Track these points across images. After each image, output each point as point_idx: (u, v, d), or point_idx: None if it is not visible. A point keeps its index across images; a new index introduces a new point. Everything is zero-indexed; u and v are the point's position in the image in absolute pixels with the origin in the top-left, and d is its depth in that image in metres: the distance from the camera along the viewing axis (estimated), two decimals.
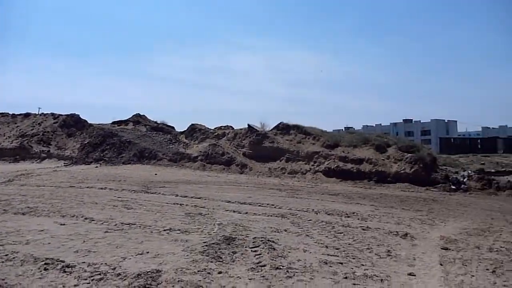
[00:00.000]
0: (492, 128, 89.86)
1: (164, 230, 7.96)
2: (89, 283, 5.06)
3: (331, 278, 5.54)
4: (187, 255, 6.27)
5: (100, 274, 5.33)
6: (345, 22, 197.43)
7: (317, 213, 10.68)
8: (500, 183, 18.52)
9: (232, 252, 6.54)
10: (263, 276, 5.44)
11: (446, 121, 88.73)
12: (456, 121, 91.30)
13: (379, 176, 20.60)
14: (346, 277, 5.60)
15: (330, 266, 6.08)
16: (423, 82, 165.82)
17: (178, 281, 5.15)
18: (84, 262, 5.79)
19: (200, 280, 5.20)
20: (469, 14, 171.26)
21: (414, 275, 6.00)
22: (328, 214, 10.58)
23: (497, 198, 16.76)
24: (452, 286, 5.61)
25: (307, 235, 8.12)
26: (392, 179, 20.25)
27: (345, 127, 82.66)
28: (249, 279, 5.33)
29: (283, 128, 27.03)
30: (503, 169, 22.08)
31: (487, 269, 6.49)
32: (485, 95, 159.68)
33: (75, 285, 5.00)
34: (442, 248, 7.68)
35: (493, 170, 21.37)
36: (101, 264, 5.75)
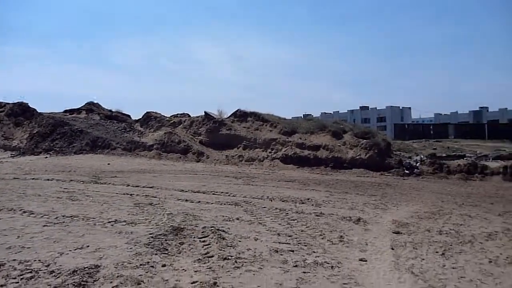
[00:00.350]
0: (444, 114, 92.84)
1: (109, 222, 7.52)
2: (18, 282, 4.63)
3: (280, 267, 5.34)
4: (131, 248, 5.90)
5: (31, 272, 4.88)
6: (304, 9, 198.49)
7: (271, 200, 10.52)
8: (450, 167, 19.08)
9: (180, 243, 6.23)
10: (209, 268, 5.17)
11: (401, 108, 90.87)
12: (410, 108, 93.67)
13: (336, 162, 20.77)
14: (296, 266, 5.43)
15: (281, 255, 5.89)
16: (380, 69, 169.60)
17: (118, 276, 4.80)
18: (15, 260, 5.31)
19: (141, 275, 4.87)
20: (427, 2, 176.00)
21: (366, 261, 5.90)
22: (283, 201, 10.43)
23: (447, 181, 17.24)
24: (402, 270, 5.54)
25: (259, 223, 7.92)
26: (348, 165, 20.47)
27: (303, 115, 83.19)
28: (195, 272, 5.04)
29: (241, 115, 26.75)
30: (454, 153, 22.78)
31: (437, 252, 6.51)
32: (438, 83, 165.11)
33: (2, 285, 4.55)
34: (394, 232, 7.67)
35: (444, 155, 21.99)
36: (34, 261, 5.29)
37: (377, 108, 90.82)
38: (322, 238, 7.02)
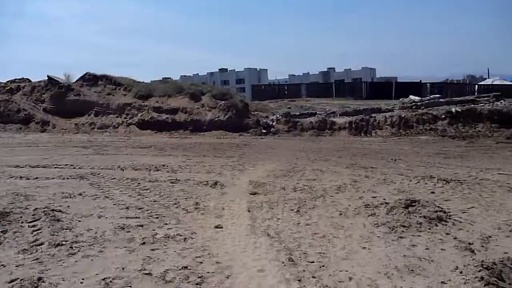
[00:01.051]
0: (297, 75, 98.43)
1: None
2: None
3: (125, 247, 4.69)
4: None
5: None
6: None
7: (123, 170, 9.63)
8: (303, 125, 20.02)
9: (2, 231, 5.14)
10: (36, 259, 4.29)
11: (258, 69, 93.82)
12: (266, 70, 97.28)
13: (195, 125, 20.32)
14: (144, 243, 4.83)
15: (128, 232, 5.23)
16: (238, 32, 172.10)
17: None
18: None
19: None
20: None
21: (221, 227, 5.58)
22: (136, 170, 9.64)
23: (301, 138, 18.04)
24: (258, 233, 5.34)
25: (106, 196, 7.08)
26: (207, 127, 20.18)
27: (162, 78, 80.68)
28: (16, 266, 4.13)
29: (90, 79, 24.47)
30: (306, 111, 23.98)
31: (292, 210, 6.49)
32: (292, 45, 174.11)
33: None
34: (251, 194, 7.52)
35: (297, 113, 22.99)
36: None
37: (236, 70, 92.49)
38: (177, 207, 6.52)
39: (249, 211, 6.42)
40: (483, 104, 21.07)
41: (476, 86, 42.65)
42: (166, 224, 5.63)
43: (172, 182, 8.27)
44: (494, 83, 45.21)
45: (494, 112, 19.52)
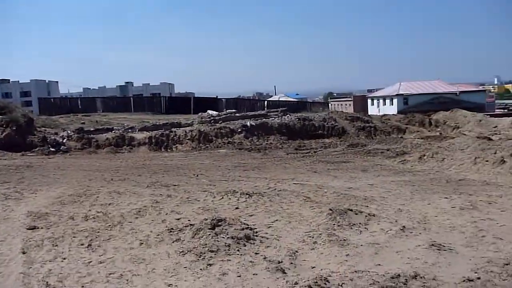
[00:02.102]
0: (92, 89, 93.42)
1: None
2: None
3: None
4: None
5: None
6: None
7: None
8: (99, 141, 18.46)
9: None
10: None
11: (47, 81, 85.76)
12: (57, 82, 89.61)
13: None
14: None
15: None
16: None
17: None
18: None
19: None
20: None
21: None
22: None
23: (97, 156, 16.52)
24: (33, 284, 4.16)
25: None
26: None
27: None
28: None
29: None
30: (102, 127, 22.34)
31: (82, 245, 5.43)
32: (87, 54, 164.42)
33: None
34: (28, 229, 6.08)
35: (92, 129, 21.20)
36: None
37: (20, 82, 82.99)
38: None
39: (24, 252, 5.09)
40: (273, 118, 22.83)
41: (266, 101, 46.81)
42: None
43: None
44: (281, 99, 50.47)
45: (283, 125, 21.34)
